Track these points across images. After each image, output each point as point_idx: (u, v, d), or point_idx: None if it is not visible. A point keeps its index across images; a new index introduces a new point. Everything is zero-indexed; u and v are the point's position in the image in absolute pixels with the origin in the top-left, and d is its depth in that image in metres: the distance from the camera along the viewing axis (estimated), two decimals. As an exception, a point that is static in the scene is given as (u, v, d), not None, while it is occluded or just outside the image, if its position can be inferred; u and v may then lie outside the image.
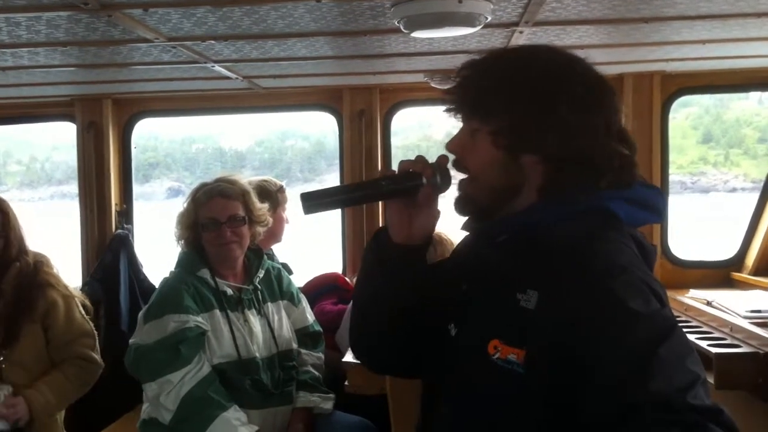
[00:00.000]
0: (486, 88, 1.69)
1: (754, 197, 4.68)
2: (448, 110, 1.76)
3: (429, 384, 1.86)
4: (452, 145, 1.76)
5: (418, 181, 1.75)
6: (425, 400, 1.86)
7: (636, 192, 1.70)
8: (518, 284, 1.59)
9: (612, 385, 1.42)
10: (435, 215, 1.82)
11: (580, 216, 1.63)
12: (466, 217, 1.80)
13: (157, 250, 4.88)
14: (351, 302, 4.20)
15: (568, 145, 1.62)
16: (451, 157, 1.78)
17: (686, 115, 12.19)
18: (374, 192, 1.83)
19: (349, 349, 3.49)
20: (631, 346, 1.44)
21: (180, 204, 3.61)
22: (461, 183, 1.74)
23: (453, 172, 1.79)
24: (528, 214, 1.67)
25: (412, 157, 1.81)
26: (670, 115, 4.69)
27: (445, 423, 1.72)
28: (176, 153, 13.61)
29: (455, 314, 1.74)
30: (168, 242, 3.58)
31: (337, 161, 4.96)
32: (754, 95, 12.05)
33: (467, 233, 1.87)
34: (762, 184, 4.63)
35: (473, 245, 1.83)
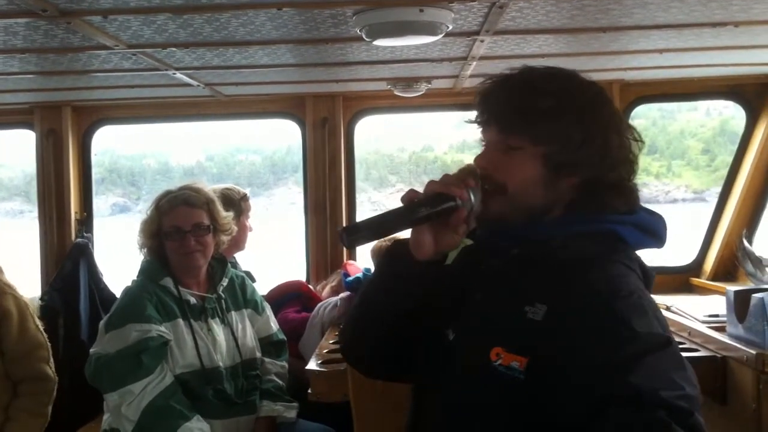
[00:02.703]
0: (540, 109, 1.69)
1: (694, 207, 4.82)
2: (476, 121, 1.78)
3: (421, 388, 1.88)
4: (484, 161, 1.76)
5: (452, 204, 1.69)
6: (417, 403, 1.89)
7: (641, 218, 1.77)
8: (527, 297, 1.65)
9: (593, 381, 1.50)
10: (461, 233, 1.76)
11: (591, 237, 1.70)
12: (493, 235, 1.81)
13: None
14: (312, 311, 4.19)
15: (614, 169, 1.72)
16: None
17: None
18: (412, 220, 1.73)
19: (314, 356, 3.50)
20: (623, 353, 1.51)
21: (125, 220, 3.57)
22: (489, 199, 1.72)
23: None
24: (541, 230, 1.73)
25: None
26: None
27: (440, 424, 1.76)
28: (123, 168, 13.49)
29: (456, 320, 1.78)
30: (114, 258, 3.52)
31: (287, 175, 4.98)
32: (703, 107, 12.27)
33: (471, 242, 1.89)
34: (704, 194, 4.77)
35: (482, 255, 1.84)
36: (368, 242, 1.75)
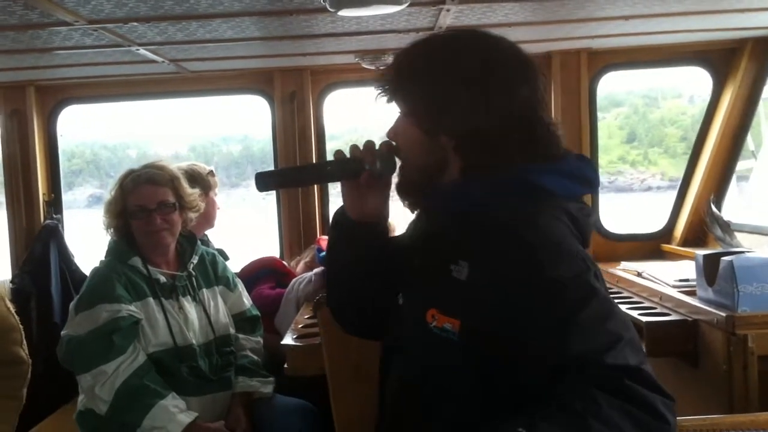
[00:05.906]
0: (402, 73, 1.79)
1: (668, 194, 4.86)
2: (381, 95, 1.84)
3: (384, 350, 1.94)
4: (388, 130, 1.86)
5: (360, 166, 1.85)
6: (381, 365, 1.93)
7: (568, 164, 1.74)
8: (451, 256, 1.67)
9: (537, 352, 1.50)
10: (386, 196, 1.92)
11: (512, 191, 1.68)
12: (408, 198, 1.88)
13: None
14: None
15: (468, 123, 1.70)
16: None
17: (616, 115, 12.29)
18: (320, 175, 1.99)
19: (289, 331, 3.51)
20: (554, 313, 1.51)
21: (100, 211, 3.53)
22: (400, 169, 1.84)
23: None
24: (454, 189, 1.74)
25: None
26: (600, 115, 4.87)
27: (393, 388, 1.83)
28: (101, 160, 13.31)
29: (403, 285, 1.85)
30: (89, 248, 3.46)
31: (264, 166, 4.93)
32: (686, 93, 12.20)
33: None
34: (678, 181, 4.84)
35: (420, 221, 1.92)
36: (280, 189, 1.95)
